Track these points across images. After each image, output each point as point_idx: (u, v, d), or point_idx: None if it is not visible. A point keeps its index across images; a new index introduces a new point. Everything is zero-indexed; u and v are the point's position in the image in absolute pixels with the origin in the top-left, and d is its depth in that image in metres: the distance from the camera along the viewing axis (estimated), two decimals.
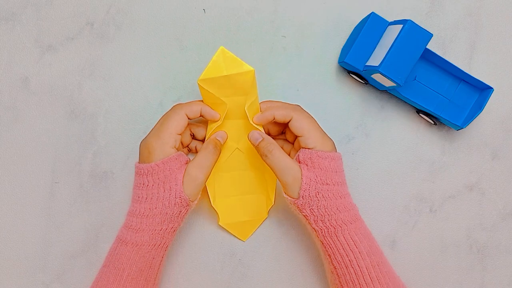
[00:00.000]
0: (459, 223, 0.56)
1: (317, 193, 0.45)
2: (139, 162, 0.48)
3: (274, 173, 0.47)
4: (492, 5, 0.57)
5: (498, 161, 0.57)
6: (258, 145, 0.47)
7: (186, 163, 0.47)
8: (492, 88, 0.52)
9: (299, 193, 0.46)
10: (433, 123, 0.55)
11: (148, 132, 0.48)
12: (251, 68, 0.47)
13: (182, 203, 0.46)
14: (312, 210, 0.46)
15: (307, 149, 0.47)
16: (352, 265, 0.45)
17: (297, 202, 0.46)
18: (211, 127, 0.50)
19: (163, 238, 0.46)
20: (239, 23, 0.56)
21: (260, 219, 0.55)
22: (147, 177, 0.46)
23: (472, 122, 0.53)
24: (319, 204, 0.45)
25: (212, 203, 0.53)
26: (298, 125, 0.47)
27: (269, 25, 0.56)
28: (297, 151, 0.48)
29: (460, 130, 0.56)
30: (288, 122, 0.48)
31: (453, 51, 0.57)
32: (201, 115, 0.49)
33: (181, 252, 0.54)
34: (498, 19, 0.57)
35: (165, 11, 0.56)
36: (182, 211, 0.46)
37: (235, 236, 0.55)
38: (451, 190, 0.56)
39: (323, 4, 0.57)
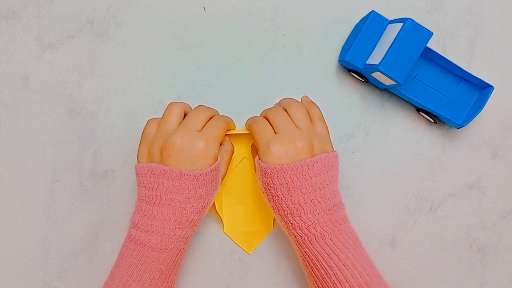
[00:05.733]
0: (459, 222, 0.56)
1: (270, 200, 0.46)
2: (171, 165, 0.44)
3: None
4: (492, 3, 0.57)
5: (498, 159, 0.57)
6: (247, 125, 0.50)
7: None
8: (492, 86, 0.52)
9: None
10: (433, 121, 0.55)
11: (179, 132, 0.44)
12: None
13: (212, 201, 0.48)
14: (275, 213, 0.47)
15: (256, 159, 0.47)
16: (316, 274, 0.45)
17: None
18: None
19: (189, 238, 0.47)
20: (239, 21, 0.56)
21: (266, 231, 0.54)
22: (198, 181, 0.44)
23: (472, 120, 0.53)
24: (277, 210, 0.46)
25: (217, 210, 0.53)
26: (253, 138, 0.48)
27: (269, 24, 0.56)
28: None
29: (460, 129, 0.56)
30: None
31: (453, 50, 0.57)
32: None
33: None
34: (499, 18, 0.57)
35: (165, 10, 0.56)
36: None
37: (240, 247, 0.54)
38: (451, 188, 0.56)
39: (323, 3, 0.57)
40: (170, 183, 0.44)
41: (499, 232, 0.56)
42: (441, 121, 0.55)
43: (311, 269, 0.45)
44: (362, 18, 0.55)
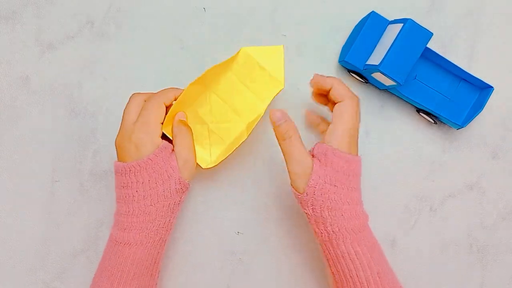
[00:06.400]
0: (459, 222, 0.56)
1: (323, 193, 0.43)
2: (123, 160, 0.46)
3: (286, 160, 0.45)
4: (492, 4, 0.57)
5: (498, 160, 0.57)
6: (279, 126, 0.45)
7: (172, 149, 0.47)
8: (492, 87, 0.52)
9: (304, 189, 0.44)
10: (433, 122, 0.55)
11: (120, 129, 0.46)
12: (282, 84, 0.50)
13: (182, 188, 0.46)
14: (314, 210, 0.44)
15: (323, 144, 0.45)
16: (351, 275, 0.44)
17: (300, 197, 0.45)
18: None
19: (166, 231, 0.46)
20: (239, 22, 0.56)
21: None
22: (141, 174, 0.44)
23: (472, 121, 0.53)
24: (323, 206, 0.44)
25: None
26: (339, 112, 0.45)
27: (270, 24, 0.56)
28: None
29: (460, 129, 0.56)
30: (336, 102, 0.46)
31: (453, 50, 0.57)
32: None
33: (181, 251, 0.54)
34: (498, 18, 0.57)
35: (165, 10, 0.56)
36: (182, 198, 0.47)
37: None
38: (451, 189, 0.56)
39: (324, 3, 0.57)
40: (118, 178, 0.46)
41: (499, 233, 0.56)
42: (441, 121, 0.55)
43: (334, 268, 0.45)
44: (362, 19, 0.55)
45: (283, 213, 0.55)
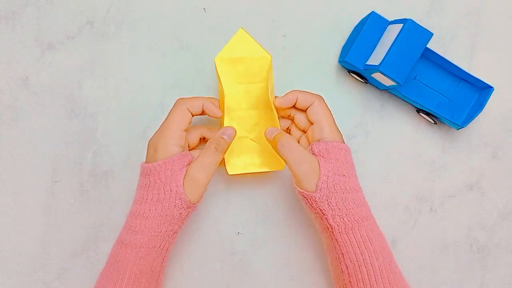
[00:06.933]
0: (459, 223, 0.56)
1: (335, 185, 0.44)
2: (145, 162, 0.47)
3: (289, 165, 0.45)
4: (492, 4, 0.57)
5: (498, 160, 0.57)
6: (274, 138, 0.46)
7: (190, 163, 0.46)
8: (492, 87, 0.52)
9: (317, 185, 0.44)
10: (433, 122, 0.55)
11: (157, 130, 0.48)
12: (268, 55, 0.48)
13: (183, 205, 0.44)
14: (330, 204, 0.44)
15: (321, 141, 0.46)
16: (365, 264, 0.44)
17: (314, 196, 0.44)
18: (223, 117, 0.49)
19: (163, 240, 0.45)
20: (239, 22, 0.56)
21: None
22: (149, 178, 0.45)
23: (472, 121, 0.53)
24: (337, 197, 0.44)
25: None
26: (316, 111, 0.47)
27: (270, 24, 0.56)
28: (308, 140, 0.48)
29: (460, 130, 0.56)
30: (307, 108, 0.48)
31: (454, 50, 0.57)
32: (203, 112, 0.48)
33: (181, 251, 0.54)
34: (498, 18, 0.57)
35: (165, 10, 0.56)
36: (183, 213, 0.45)
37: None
38: (451, 189, 0.56)
39: (324, 3, 0.57)
40: (139, 178, 0.47)
41: (499, 233, 0.56)
42: (441, 121, 0.55)
43: (349, 260, 0.45)
44: (362, 19, 0.55)
45: (283, 213, 0.55)
